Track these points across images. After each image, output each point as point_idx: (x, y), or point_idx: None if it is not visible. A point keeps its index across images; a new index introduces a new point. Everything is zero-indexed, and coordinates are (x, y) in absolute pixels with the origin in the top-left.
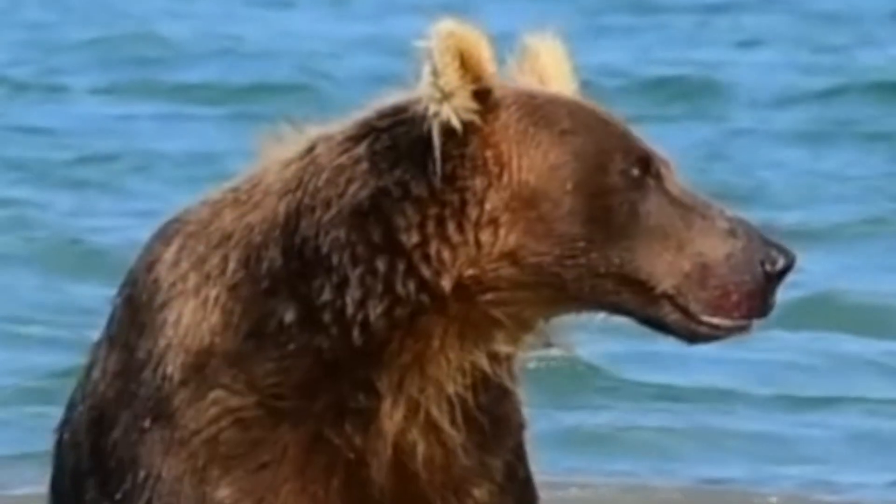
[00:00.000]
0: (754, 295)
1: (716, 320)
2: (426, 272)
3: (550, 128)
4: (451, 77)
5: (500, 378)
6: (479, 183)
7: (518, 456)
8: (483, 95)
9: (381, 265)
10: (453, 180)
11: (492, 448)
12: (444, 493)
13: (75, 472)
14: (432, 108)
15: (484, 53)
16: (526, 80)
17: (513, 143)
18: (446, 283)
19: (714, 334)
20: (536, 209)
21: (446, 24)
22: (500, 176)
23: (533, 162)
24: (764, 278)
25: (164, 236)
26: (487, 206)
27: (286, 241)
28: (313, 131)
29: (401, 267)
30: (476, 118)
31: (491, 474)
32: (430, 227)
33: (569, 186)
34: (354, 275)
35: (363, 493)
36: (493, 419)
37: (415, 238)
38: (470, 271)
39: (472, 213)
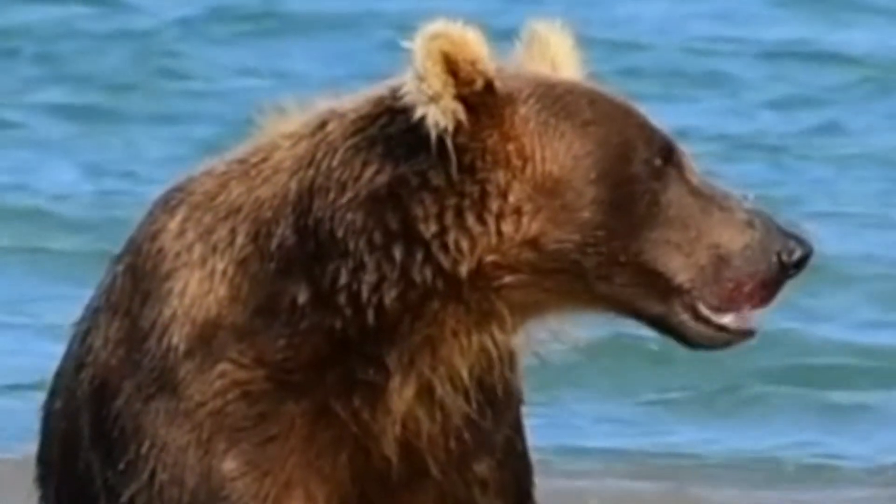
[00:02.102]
0: (767, 284)
1: (725, 321)
2: (444, 261)
3: (572, 118)
4: (433, 81)
5: (510, 351)
6: (501, 176)
7: (516, 429)
8: (479, 95)
9: (397, 253)
10: (473, 172)
11: (492, 423)
12: (445, 469)
13: (68, 440)
14: (419, 111)
15: (475, 53)
16: (538, 68)
17: (535, 135)
18: (463, 270)
19: (719, 339)
20: (560, 198)
21: (432, 27)
22: (523, 169)
23: (556, 153)
24: (779, 268)
25: (167, 206)
26: (511, 199)
27: (299, 220)
28: (322, 106)
29: (419, 256)
30: (464, 119)
31: (491, 448)
32: (449, 218)
33: (592, 176)
34: (371, 260)
35: (369, 469)
36: (494, 394)
37: (433, 228)
38: (490, 258)
39: (494, 204)
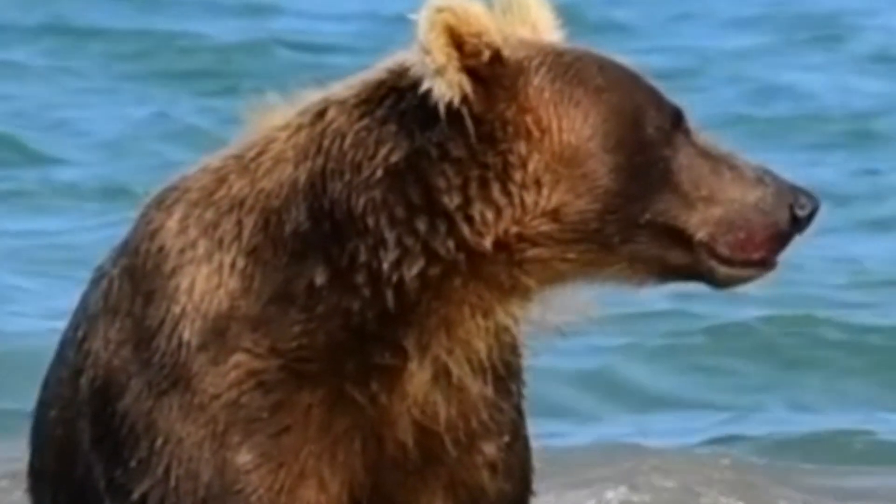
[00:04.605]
0: (778, 237)
1: (746, 258)
2: (468, 233)
3: (585, 86)
4: (437, 55)
5: (515, 335)
6: (522, 147)
7: (520, 413)
8: (488, 67)
9: (421, 226)
10: (494, 143)
11: (501, 404)
12: (458, 451)
13: (65, 446)
14: (426, 84)
15: (480, 26)
16: (521, 32)
17: (550, 105)
18: (487, 243)
19: (746, 275)
20: (580, 167)
21: (437, 0)
22: (541, 139)
23: (573, 122)
24: (791, 221)
25: (162, 205)
26: (530, 169)
27: (312, 204)
28: (313, 96)
29: (442, 228)
30: (470, 91)
31: (500, 430)
32: (473, 189)
33: (610, 143)
34: (392, 236)
35: (382, 456)
36: (503, 375)
37: (457, 200)
38: (513, 230)
39: (517, 175)
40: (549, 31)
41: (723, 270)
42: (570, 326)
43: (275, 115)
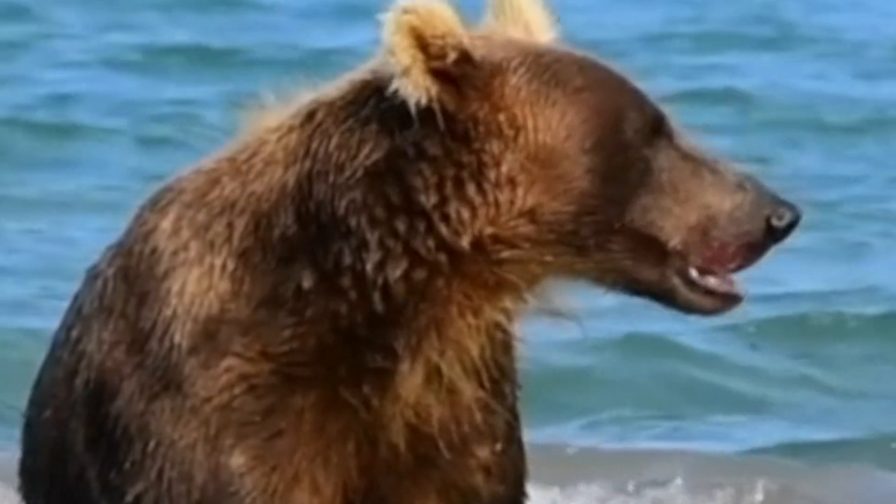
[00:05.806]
0: (753, 247)
1: (714, 286)
2: (446, 232)
3: (564, 87)
4: (402, 56)
5: (508, 336)
6: (495, 146)
7: (515, 416)
8: (457, 67)
9: (400, 226)
10: (468, 142)
11: (495, 406)
12: (451, 453)
13: (58, 447)
14: (393, 85)
15: (444, 27)
16: (513, 32)
17: (526, 104)
18: (465, 242)
19: (708, 305)
20: (555, 168)
21: (403, 1)
22: (515, 138)
23: (549, 122)
24: (767, 232)
25: (156, 206)
26: (504, 168)
27: (299, 207)
28: (305, 97)
29: (420, 227)
30: (435, 92)
31: (494, 434)
32: (449, 188)
33: (587, 145)
34: (374, 237)
35: (375, 459)
36: (496, 377)
37: (433, 199)
38: (489, 230)
39: (491, 174)
40: (541, 31)
41: (683, 294)
42: (571, 318)
43: (269, 116)
